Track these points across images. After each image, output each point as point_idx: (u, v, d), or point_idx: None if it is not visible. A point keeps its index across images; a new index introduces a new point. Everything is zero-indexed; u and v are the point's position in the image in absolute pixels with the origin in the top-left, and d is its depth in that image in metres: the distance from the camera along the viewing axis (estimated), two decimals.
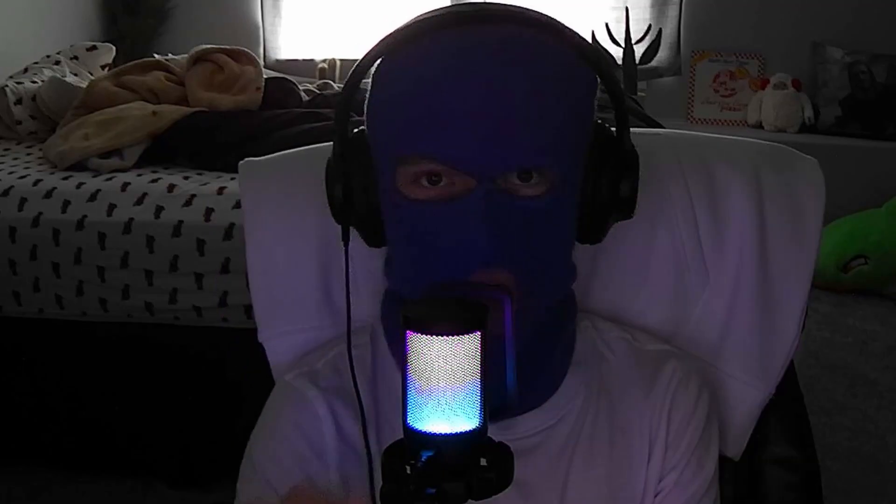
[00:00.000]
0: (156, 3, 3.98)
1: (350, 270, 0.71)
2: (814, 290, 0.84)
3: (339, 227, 0.71)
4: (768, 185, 0.84)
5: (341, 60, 3.81)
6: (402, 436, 0.54)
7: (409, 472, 0.52)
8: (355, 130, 0.70)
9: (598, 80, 0.69)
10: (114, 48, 3.21)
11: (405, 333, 0.52)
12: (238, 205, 1.89)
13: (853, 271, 3.10)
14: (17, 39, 3.24)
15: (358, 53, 0.65)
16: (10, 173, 2.15)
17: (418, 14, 0.65)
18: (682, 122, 3.92)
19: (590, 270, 0.83)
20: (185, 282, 1.92)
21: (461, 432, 0.52)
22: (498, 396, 0.60)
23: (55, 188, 2.02)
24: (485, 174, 0.62)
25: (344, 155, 0.69)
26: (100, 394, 2.03)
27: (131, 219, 1.93)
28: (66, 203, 1.98)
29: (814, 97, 3.76)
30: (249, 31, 4.06)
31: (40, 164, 2.25)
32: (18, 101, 2.61)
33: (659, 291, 0.84)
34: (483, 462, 0.54)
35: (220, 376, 1.94)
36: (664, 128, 1.14)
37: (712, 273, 0.84)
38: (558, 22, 0.65)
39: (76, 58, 3.05)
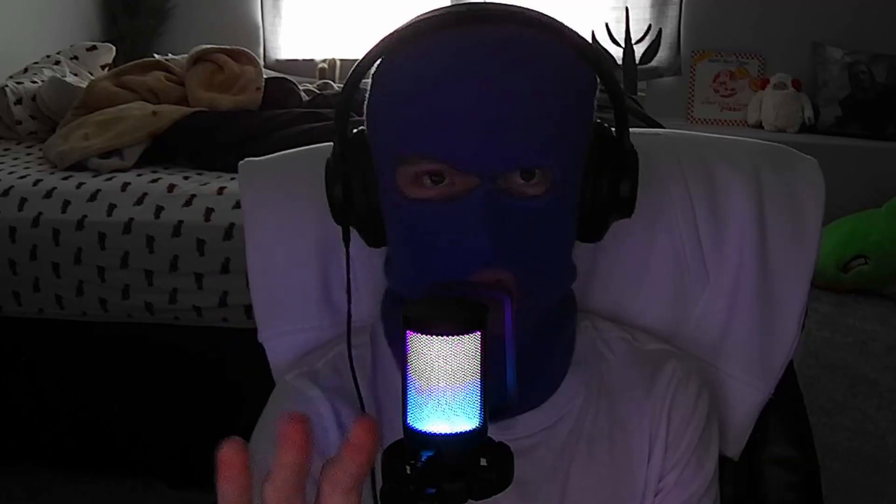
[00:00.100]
0: (156, 3, 3.98)
1: (350, 270, 0.71)
2: (814, 290, 0.84)
3: (338, 227, 0.71)
4: (768, 185, 0.84)
5: (341, 60, 3.81)
6: (402, 436, 0.54)
7: (408, 472, 0.52)
8: (355, 130, 0.70)
9: (599, 79, 0.69)
10: (114, 48, 3.21)
11: (405, 333, 0.52)
12: (238, 205, 1.89)
13: (853, 271, 3.11)
14: (17, 39, 3.24)
15: (358, 53, 0.65)
16: (10, 173, 2.15)
17: (418, 14, 0.65)
18: (682, 122, 3.92)
19: (590, 270, 0.83)
20: (185, 282, 1.92)
21: (461, 432, 0.52)
22: (498, 396, 0.60)
23: (55, 188, 2.02)
24: (485, 174, 0.62)
25: (344, 155, 0.69)
26: (100, 394, 2.03)
27: (131, 219, 1.93)
28: (66, 203, 1.98)
29: (814, 97, 3.76)
30: (249, 31, 4.06)
31: (40, 164, 2.25)
32: (18, 101, 2.61)
33: (659, 291, 0.84)
34: (483, 462, 0.54)
35: (220, 376, 1.94)
36: (664, 128, 1.14)
37: (712, 273, 0.84)
38: (558, 22, 0.65)
39: (76, 58, 3.05)
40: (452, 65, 0.62)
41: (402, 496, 0.52)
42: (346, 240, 0.71)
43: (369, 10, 3.92)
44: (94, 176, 2.10)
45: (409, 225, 0.65)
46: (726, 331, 0.84)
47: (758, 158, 0.87)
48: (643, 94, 3.88)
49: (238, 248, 1.85)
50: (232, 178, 2.02)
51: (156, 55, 2.94)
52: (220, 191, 1.96)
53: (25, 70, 2.89)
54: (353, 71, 0.66)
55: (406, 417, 0.53)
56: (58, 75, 2.78)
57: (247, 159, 0.89)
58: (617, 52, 3.74)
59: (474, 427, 0.52)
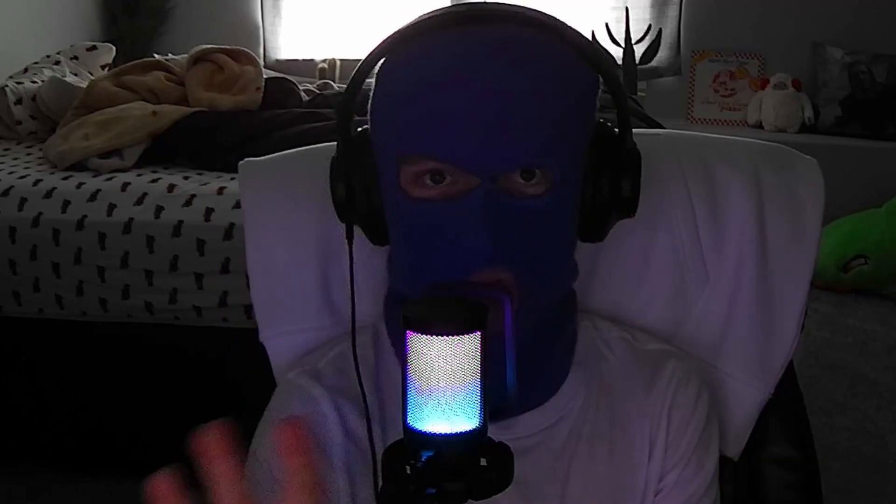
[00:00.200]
0: (156, 3, 3.98)
1: (352, 269, 0.72)
2: (814, 290, 0.84)
3: (340, 226, 0.72)
4: (768, 185, 0.84)
5: (341, 60, 3.81)
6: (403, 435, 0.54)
7: (409, 472, 0.52)
8: (359, 130, 0.71)
9: (600, 80, 0.69)
10: (114, 48, 3.21)
11: (405, 333, 0.52)
12: (238, 205, 1.89)
13: (853, 271, 3.11)
14: (17, 39, 3.24)
15: (358, 53, 0.66)
16: (10, 173, 2.15)
17: (420, 14, 0.66)
18: (682, 122, 3.92)
19: (590, 270, 0.83)
20: (185, 282, 1.92)
21: (461, 432, 0.52)
22: (498, 396, 0.60)
23: (55, 188, 2.02)
24: (486, 173, 0.62)
25: (347, 154, 0.69)
26: (100, 394, 2.03)
27: (131, 219, 1.93)
28: (66, 203, 1.98)
29: (814, 97, 3.76)
30: (249, 31, 4.06)
31: (40, 164, 2.25)
32: (18, 101, 2.61)
33: (659, 291, 0.84)
34: (483, 462, 0.54)
35: (220, 376, 1.94)
36: (664, 128, 1.14)
37: (712, 273, 0.84)
38: (559, 21, 0.65)
39: (76, 58, 3.05)
40: (453, 65, 0.62)
41: (402, 496, 0.52)
42: (350, 238, 0.71)
43: (369, 10, 3.92)
44: (94, 176, 2.10)
45: (410, 224, 0.66)
46: (726, 331, 0.84)
47: (758, 158, 0.87)
48: (643, 94, 3.88)
49: (238, 248, 1.85)
50: (232, 178, 2.02)
51: (156, 55, 2.94)
52: (220, 191, 1.96)
53: (25, 70, 2.89)
54: (356, 71, 0.66)
55: (406, 417, 0.53)
56: (58, 75, 2.78)
57: (247, 159, 0.89)
58: (617, 52, 3.74)
59: (474, 427, 0.52)
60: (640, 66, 3.77)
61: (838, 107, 3.72)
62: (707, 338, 0.84)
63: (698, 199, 0.84)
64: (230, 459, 0.40)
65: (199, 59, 2.62)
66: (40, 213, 1.97)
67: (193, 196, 1.96)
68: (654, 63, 3.87)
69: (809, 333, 2.76)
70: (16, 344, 2.07)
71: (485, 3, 0.64)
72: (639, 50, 3.79)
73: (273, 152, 0.91)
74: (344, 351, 0.75)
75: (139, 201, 1.96)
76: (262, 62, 3.22)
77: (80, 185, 2.03)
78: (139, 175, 2.11)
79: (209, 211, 1.92)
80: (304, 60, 4.01)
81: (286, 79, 2.75)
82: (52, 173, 2.14)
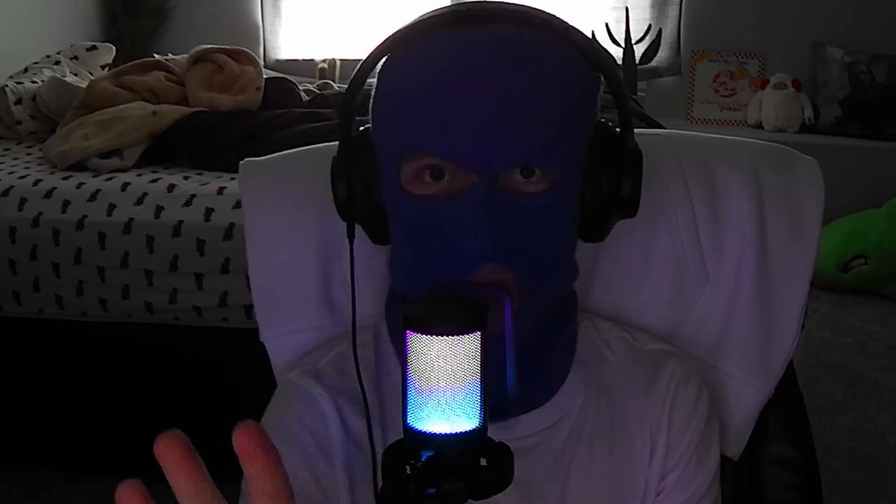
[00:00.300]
0: (156, 3, 3.98)
1: (353, 269, 0.72)
2: (814, 290, 0.84)
3: (340, 227, 0.72)
4: (768, 186, 0.84)
5: (341, 60, 3.81)
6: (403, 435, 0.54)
7: (409, 472, 0.52)
8: (360, 129, 0.71)
9: (601, 79, 0.69)
10: (114, 48, 3.21)
11: (405, 333, 0.52)
12: (238, 205, 1.89)
13: (853, 271, 3.11)
14: (17, 39, 3.24)
15: (358, 53, 0.66)
16: (10, 173, 2.15)
17: (420, 14, 0.66)
18: (682, 122, 3.92)
19: (590, 270, 0.83)
20: (185, 282, 1.92)
21: (461, 432, 0.52)
22: (498, 396, 0.60)
23: (55, 188, 2.02)
24: (485, 172, 0.62)
25: (348, 153, 0.69)
26: (100, 394, 2.03)
27: (131, 219, 1.94)
28: (66, 203, 1.98)
29: (814, 97, 3.76)
30: (249, 31, 4.06)
31: (40, 164, 2.26)
32: (18, 101, 2.61)
33: (659, 291, 0.84)
34: (483, 462, 0.54)
35: (220, 376, 1.94)
36: (664, 128, 1.14)
37: (712, 273, 0.84)
38: (560, 21, 0.65)
39: (76, 58, 3.06)
40: (453, 64, 0.62)
41: (402, 496, 0.52)
42: (351, 236, 0.71)
43: (369, 10, 3.92)
44: (94, 176, 2.10)
45: (410, 223, 0.66)
46: (726, 331, 0.84)
47: (758, 158, 0.87)
48: (643, 94, 3.89)
49: (238, 248, 1.86)
50: (232, 178, 2.02)
51: (156, 55, 2.94)
52: (220, 191, 1.96)
53: (25, 70, 2.89)
54: (357, 71, 0.66)
55: (406, 417, 0.53)
56: (58, 75, 2.78)
57: (247, 159, 0.89)
58: (617, 52, 3.74)
59: (474, 427, 0.52)
60: (640, 66, 3.77)
61: (838, 107, 3.72)
62: (707, 338, 0.84)
63: (698, 199, 0.84)
64: (189, 467, 0.40)
65: (199, 59, 2.62)
66: (40, 213, 1.97)
67: (193, 196, 1.96)
68: (654, 63, 3.87)
69: (809, 333, 2.77)
70: (16, 344, 2.07)
71: (485, 2, 0.65)
72: (639, 50, 3.79)
73: (273, 152, 0.91)
74: (344, 351, 0.75)
75: (139, 201, 1.96)
76: (262, 62, 3.23)
77: (80, 185, 2.03)
78: (139, 175, 2.11)
79: (209, 211, 1.92)
80: (304, 60, 4.01)
81: (286, 79, 2.75)
82: (52, 173, 2.14)
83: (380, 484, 0.54)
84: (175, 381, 1.98)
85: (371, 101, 0.69)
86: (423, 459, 0.52)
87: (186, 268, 1.91)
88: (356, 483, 0.71)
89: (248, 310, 1.88)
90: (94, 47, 3.15)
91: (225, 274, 1.89)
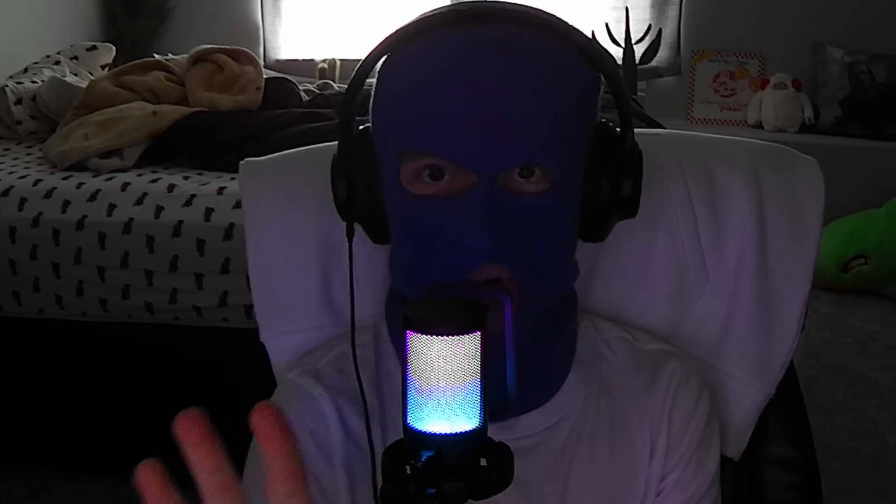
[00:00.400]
0: (156, 3, 3.98)
1: (352, 268, 0.72)
2: (814, 290, 0.84)
3: (340, 226, 0.72)
4: (768, 186, 0.84)
5: (341, 60, 3.81)
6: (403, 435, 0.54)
7: (409, 472, 0.52)
8: (360, 129, 0.71)
9: (601, 79, 0.69)
10: (114, 48, 3.21)
11: (405, 333, 0.52)
12: (238, 205, 1.89)
13: (853, 271, 3.11)
14: (17, 39, 3.24)
15: (358, 53, 0.66)
16: (10, 173, 2.15)
17: (420, 13, 0.66)
18: (682, 122, 3.92)
19: (590, 270, 0.83)
20: (185, 282, 1.92)
21: (461, 432, 0.52)
22: (498, 396, 0.60)
23: (55, 188, 2.02)
24: (485, 171, 0.62)
25: (348, 153, 0.69)
26: (100, 394, 2.03)
27: (131, 219, 1.93)
28: (66, 203, 1.98)
29: (814, 97, 3.76)
30: (249, 31, 4.06)
31: (40, 164, 2.25)
32: (18, 101, 2.61)
33: (659, 291, 0.84)
34: (483, 462, 0.54)
35: (220, 376, 1.94)
36: (664, 128, 1.14)
37: (712, 273, 0.84)
38: (561, 21, 0.65)
39: (76, 58, 3.06)
40: (453, 64, 0.62)
41: (402, 496, 0.52)
42: (350, 236, 0.71)
43: (369, 10, 3.92)
44: (94, 176, 2.10)
45: (410, 222, 0.66)
46: (726, 331, 0.84)
47: (758, 158, 0.87)
48: (643, 94, 3.88)
49: (238, 248, 1.85)
50: (232, 178, 2.02)
51: (156, 55, 2.94)
52: (220, 191, 1.96)
53: (25, 70, 2.89)
54: (357, 70, 0.66)
55: (406, 417, 0.53)
56: (58, 75, 2.78)
57: (247, 159, 0.89)
58: (617, 52, 3.74)
59: (474, 427, 0.52)
60: (640, 66, 3.77)
61: (838, 107, 3.72)
62: (707, 338, 0.84)
63: (698, 200, 0.84)
64: (208, 445, 0.40)
65: (199, 59, 2.62)
66: (40, 213, 1.97)
67: (193, 196, 1.96)
68: (654, 63, 3.87)
69: (809, 333, 2.76)
70: (16, 344, 2.07)
71: (485, 2, 0.65)
72: (639, 50, 3.79)
73: (273, 152, 0.91)
74: (344, 351, 0.75)
75: (139, 201, 1.96)
76: (262, 62, 3.22)
77: (80, 185, 2.03)
78: (139, 175, 2.11)
79: (209, 211, 1.92)
80: (304, 60, 4.01)
81: (286, 79, 2.75)
82: (52, 173, 2.14)
83: (380, 484, 0.54)
84: (175, 381, 1.98)
85: (371, 100, 0.69)
86: (423, 459, 0.52)
87: (186, 268, 1.91)
88: (356, 483, 0.71)
89: (248, 310, 1.88)
90: (94, 47, 3.15)
91: (225, 274, 1.89)
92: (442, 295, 0.63)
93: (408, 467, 0.52)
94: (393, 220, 0.69)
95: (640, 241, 0.83)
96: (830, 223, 3.15)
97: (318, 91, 2.80)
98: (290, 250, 0.85)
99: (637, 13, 3.86)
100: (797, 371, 0.91)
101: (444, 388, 0.51)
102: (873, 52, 3.68)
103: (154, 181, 2.05)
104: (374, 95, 0.68)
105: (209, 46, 2.67)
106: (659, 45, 3.84)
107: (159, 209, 1.94)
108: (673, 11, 3.88)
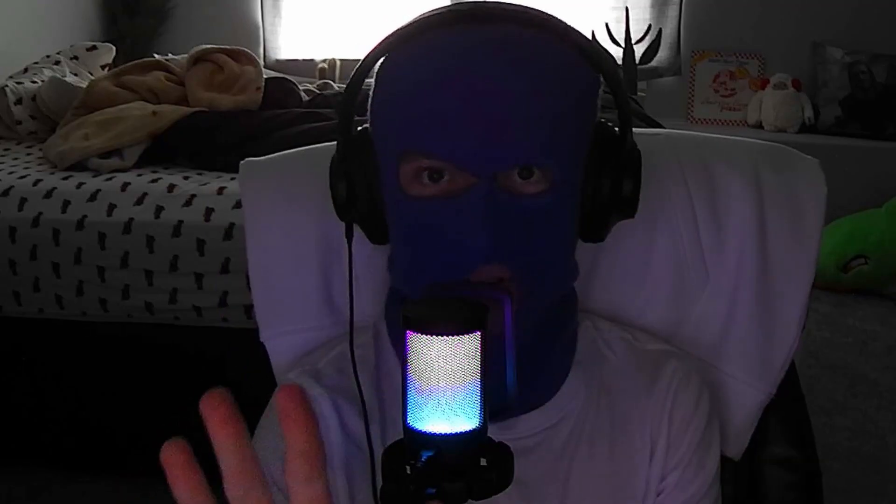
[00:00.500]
0: (156, 3, 3.98)
1: (352, 268, 0.72)
2: (814, 290, 0.84)
3: (340, 226, 0.72)
4: (768, 185, 0.84)
5: (341, 60, 3.81)
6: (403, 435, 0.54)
7: (409, 472, 0.52)
8: (359, 129, 0.71)
9: (601, 79, 0.69)
10: (114, 48, 3.21)
11: (405, 333, 0.52)
12: (238, 205, 1.89)
13: (853, 271, 3.11)
14: (17, 39, 3.24)
15: (358, 53, 0.66)
16: (10, 173, 2.15)
17: (420, 13, 0.66)
18: (682, 122, 3.92)
19: (590, 270, 0.83)
20: (185, 282, 1.92)
21: (461, 432, 0.52)
22: (498, 396, 0.60)
23: (55, 188, 2.02)
24: (485, 172, 0.62)
25: (347, 153, 0.69)
26: (100, 394, 2.03)
27: (131, 219, 1.94)
28: (66, 203, 1.98)
29: (814, 97, 3.76)
30: (249, 31, 4.06)
31: (40, 164, 2.26)
32: (18, 101, 2.61)
33: (659, 291, 0.84)
34: (483, 462, 0.54)
35: (220, 376, 1.93)
36: (664, 128, 1.14)
37: (712, 273, 0.84)
38: (560, 21, 0.65)
39: (76, 58, 3.06)
40: (453, 64, 0.62)
41: (402, 496, 0.52)
42: (350, 237, 0.71)
43: (369, 10, 3.92)
44: (94, 176, 2.10)
45: (410, 222, 0.66)
46: (726, 331, 0.84)
47: (758, 158, 0.87)
48: (643, 94, 3.88)
49: (238, 248, 1.85)
50: (232, 178, 2.02)
51: (156, 55, 2.94)
52: (220, 191, 1.96)
53: (25, 70, 2.90)
54: (356, 70, 0.66)
55: (406, 417, 0.53)
56: (58, 75, 2.78)
57: (248, 159, 0.89)
58: (617, 52, 3.74)
59: (474, 427, 0.52)
60: (640, 66, 3.77)
61: (838, 107, 3.72)
62: (708, 338, 0.84)
63: (698, 199, 0.84)
64: (232, 424, 0.40)
65: (199, 59, 2.62)
66: (40, 213, 1.97)
67: (193, 196, 1.96)
68: (654, 63, 3.87)
69: (809, 333, 2.76)
70: (16, 344, 2.07)
71: (485, 2, 0.64)
72: (639, 50, 3.79)
73: (273, 152, 0.91)
74: (344, 351, 0.75)
75: (139, 201, 1.96)
76: (262, 62, 3.22)
77: (80, 185, 2.03)
78: (139, 175, 2.11)
79: (209, 211, 1.92)
80: (304, 60, 4.01)
81: (286, 79, 2.75)
82: (52, 173, 2.14)
83: (380, 484, 0.54)
84: (175, 381, 1.98)
85: (370, 100, 0.69)
86: (423, 459, 0.51)
87: (186, 268, 1.91)
88: (356, 483, 0.71)
89: (248, 310, 1.88)
90: (94, 47, 3.15)
91: (225, 274, 1.89)
92: (442, 295, 0.63)
93: (408, 467, 0.52)
94: (392, 221, 0.69)
95: (640, 241, 0.83)
96: (830, 223, 3.15)
97: (318, 91, 2.80)
98: (291, 250, 0.85)
99: (637, 13, 3.85)
100: (797, 371, 0.91)
101: (444, 388, 0.51)
102: (873, 52, 3.68)
103: (154, 181, 2.05)
104: (374, 95, 0.68)
105: (209, 46, 2.67)
106: (659, 45, 3.84)
107: (159, 209, 1.94)
108: (673, 11, 3.88)
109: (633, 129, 0.70)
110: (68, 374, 2.04)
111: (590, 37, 3.64)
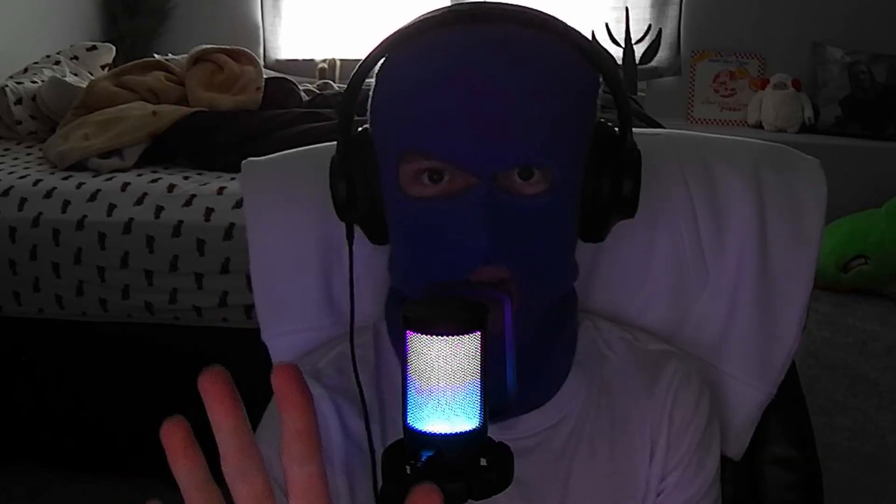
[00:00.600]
0: (156, 3, 3.98)
1: (352, 269, 0.72)
2: (814, 290, 0.84)
3: (341, 227, 0.72)
4: (769, 185, 0.84)
5: (341, 60, 3.81)
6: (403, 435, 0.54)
7: (409, 472, 0.52)
8: (359, 129, 0.71)
9: (601, 79, 0.69)
10: (114, 48, 3.21)
11: (405, 333, 0.52)
12: (238, 205, 1.89)
13: (853, 271, 3.11)
14: (17, 39, 3.24)
15: (358, 53, 0.66)
16: (10, 173, 2.15)
17: (420, 14, 0.66)
18: (682, 122, 3.92)
19: (590, 270, 0.83)
20: (185, 282, 1.92)
21: (461, 432, 0.52)
22: (498, 396, 0.60)
23: (55, 188, 2.02)
24: (484, 172, 0.62)
25: (347, 153, 0.69)
26: (100, 394, 2.03)
27: (131, 219, 1.94)
28: (66, 203, 1.98)
29: (814, 97, 3.76)
30: (249, 31, 4.06)
31: (40, 164, 2.26)
32: (18, 101, 2.61)
33: (659, 291, 0.84)
34: (483, 462, 0.54)
35: None
36: (664, 128, 1.14)
37: (712, 273, 0.84)
38: (560, 21, 0.65)
39: (76, 58, 3.06)
40: (453, 64, 0.62)
41: (402, 496, 0.52)
42: (350, 237, 0.71)
43: (369, 10, 3.92)
44: (94, 176, 2.10)
45: (411, 222, 0.66)
46: (727, 331, 0.84)
47: (758, 158, 0.86)
48: (643, 94, 3.88)
49: (238, 248, 1.86)
50: (232, 178, 2.02)
51: (156, 55, 2.94)
52: (220, 191, 1.96)
53: (25, 70, 2.90)
54: (357, 70, 0.66)
55: (406, 417, 0.53)
56: (58, 75, 2.78)
57: (249, 159, 0.89)
58: (617, 52, 3.74)
59: (474, 427, 0.52)
60: (640, 66, 3.77)
61: (838, 107, 3.72)
62: (708, 338, 0.84)
63: (699, 199, 0.84)
64: (230, 403, 0.40)
65: (199, 59, 2.62)
66: (40, 213, 1.97)
67: (193, 196, 1.96)
68: (654, 63, 3.87)
69: (809, 333, 2.76)
70: (16, 344, 2.07)
71: (485, 2, 0.64)
72: (639, 50, 3.79)
73: (273, 152, 0.91)
74: (344, 351, 0.75)
75: (139, 201, 1.96)
76: (262, 62, 3.22)
77: (80, 185, 2.03)
78: (139, 175, 2.11)
79: (209, 211, 1.92)
80: (304, 60, 4.01)
81: (286, 79, 2.75)
82: (52, 173, 2.14)
83: (380, 484, 0.54)
84: (175, 381, 1.98)
85: (370, 100, 0.69)
86: (423, 459, 0.51)
87: (186, 268, 1.91)
88: (356, 483, 0.71)
89: (248, 310, 1.89)
90: (94, 47, 3.15)
91: (225, 274, 1.89)
92: (442, 295, 0.63)
93: (408, 467, 0.52)
94: (392, 221, 0.69)
95: (640, 241, 0.83)
96: (830, 223, 3.15)
97: (318, 91, 2.80)
98: (291, 250, 0.85)
99: (637, 13, 3.85)
100: (797, 371, 0.91)
101: (444, 388, 0.51)
102: (873, 52, 3.68)
103: (154, 181, 2.05)
104: (374, 96, 0.68)
105: (209, 46, 2.67)
106: (659, 45, 3.84)
107: (159, 209, 1.94)
108: (673, 11, 3.88)
109: (633, 129, 0.70)
110: (68, 374, 2.04)
111: (590, 37, 3.64)
